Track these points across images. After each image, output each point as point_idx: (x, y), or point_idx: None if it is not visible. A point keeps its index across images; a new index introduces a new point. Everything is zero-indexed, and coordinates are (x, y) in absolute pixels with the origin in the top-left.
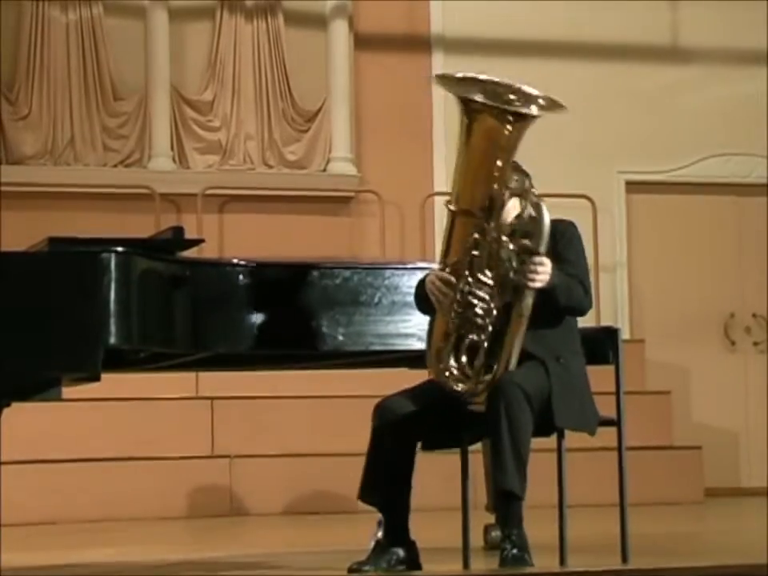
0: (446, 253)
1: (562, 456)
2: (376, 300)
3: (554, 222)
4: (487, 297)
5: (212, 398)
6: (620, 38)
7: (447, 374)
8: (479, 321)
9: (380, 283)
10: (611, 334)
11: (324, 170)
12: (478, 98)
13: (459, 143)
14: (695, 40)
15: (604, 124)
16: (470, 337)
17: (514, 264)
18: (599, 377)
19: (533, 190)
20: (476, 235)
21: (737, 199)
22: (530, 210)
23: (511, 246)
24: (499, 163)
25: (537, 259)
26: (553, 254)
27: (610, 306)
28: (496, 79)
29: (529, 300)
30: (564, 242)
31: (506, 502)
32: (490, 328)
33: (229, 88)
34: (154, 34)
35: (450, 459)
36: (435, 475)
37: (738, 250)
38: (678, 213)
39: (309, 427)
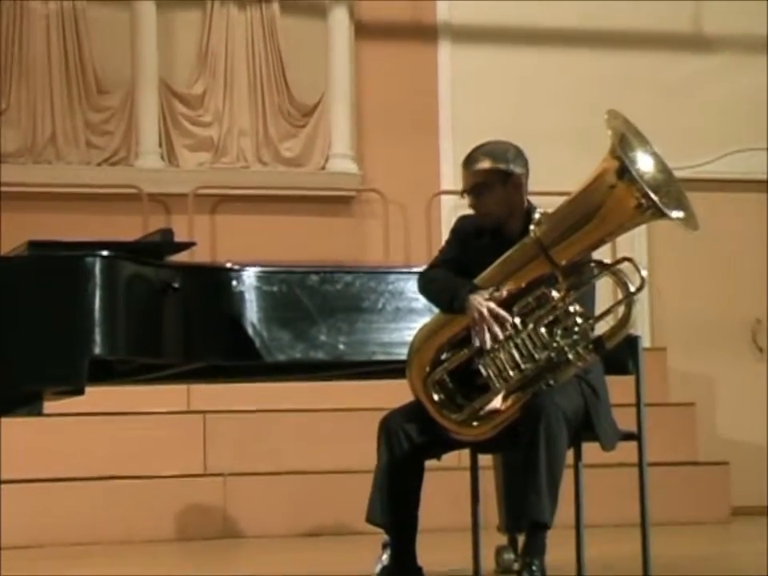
0: (505, 278)
1: (579, 472)
2: (379, 306)
3: None
4: (532, 354)
5: (204, 412)
6: (637, 26)
7: (432, 387)
8: (508, 371)
9: (383, 288)
10: (631, 341)
11: (323, 168)
12: (641, 180)
13: (587, 188)
14: (719, 27)
15: None
16: (488, 373)
17: (579, 349)
18: (618, 388)
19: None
20: (546, 290)
21: (764, 197)
22: (622, 308)
23: (579, 324)
24: (608, 238)
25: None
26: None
27: None
28: (664, 161)
29: (566, 377)
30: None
31: (534, 531)
32: (512, 381)
33: (221, 81)
34: (140, 23)
35: (458, 476)
36: (443, 493)
37: (765, 251)
38: (702, 211)
39: (308, 443)
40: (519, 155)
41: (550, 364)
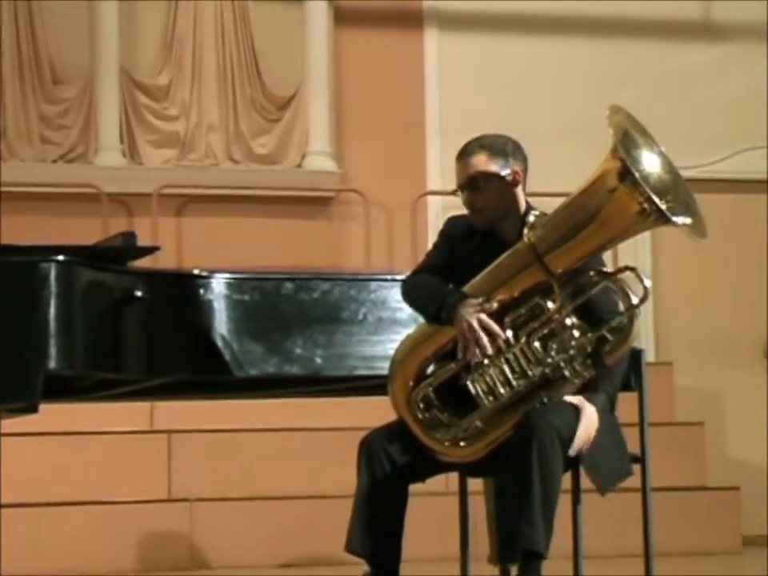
0: (497, 286)
1: (578, 497)
2: (360, 317)
3: None
4: (524, 370)
5: (169, 432)
6: (640, 12)
7: (416, 404)
8: (498, 388)
9: (365, 297)
10: (634, 355)
11: (299, 166)
12: (645, 183)
13: (586, 190)
14: (729, 14)
15: None
16: (476, 390)
17: (576, 366)
18: (620, 406)
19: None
20: (540, 300)
21: None
22: (622, 319)
23: (576, 337)
24: (608, 245)
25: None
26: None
27: None
28: (670, 161)
29: (562, 395)
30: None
31: (528, 561)
32: (503, 399)
33: (188, 71)
34: (100, 7)
35: (446, 502)
36: (429, 521)
37: None
38: (710, 214)
39: (283, 465)
40: (518, 149)
41: (545, 381)
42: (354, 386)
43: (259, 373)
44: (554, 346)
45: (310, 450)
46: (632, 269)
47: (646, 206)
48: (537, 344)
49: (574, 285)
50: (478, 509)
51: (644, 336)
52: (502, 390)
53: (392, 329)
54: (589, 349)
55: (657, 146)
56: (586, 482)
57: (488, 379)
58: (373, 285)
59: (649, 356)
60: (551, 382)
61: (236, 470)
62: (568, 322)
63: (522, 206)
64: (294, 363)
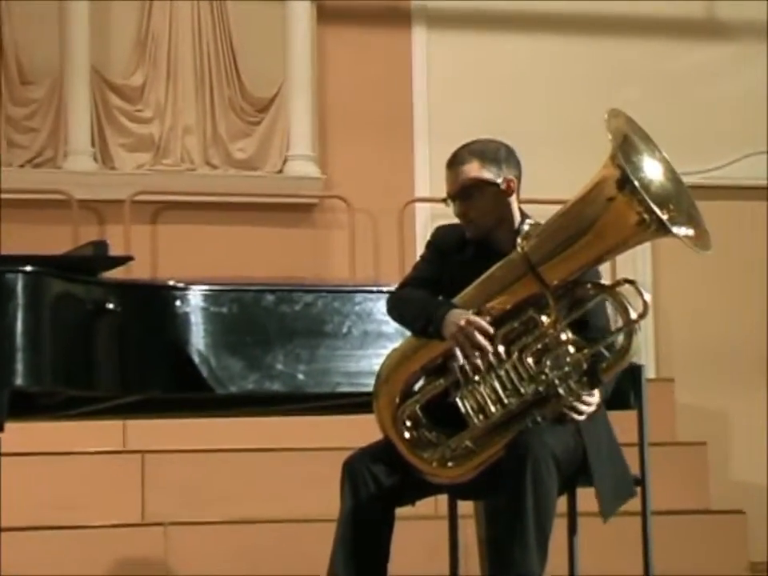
0: (488, 298)
1: (574, 521)
2: (344, 330)
3: None
4: (517, 387)
5: (143, 452)
6: (640, 9)
7: (403, 422)
8: (489, 406)
9: (349, 310)
10: (633, 372)
11: (280, 172)
12: (645, 192)
13: (583, 199)
14: (735, 12)
15: None
16: (466, 407)
17: (571, 383)
18: (619, 424)
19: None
20: (534, 314)
21: None
22: (620, 338)
23: (571, 353)
24: (605, 256)
25: (592, 395)
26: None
27: None
28: (673, 168)
29: (552, 412)
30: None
31: None
32: (494, 417)
33: (163, 70)
34: (70, 4)
35: (435, 526)
36: (418, 545)
37: None
38: (714, 223)
39: (262, 488)
40: (511, 155)
41: (538, 399)
42: (337, 403)
43: (238, 390)
44: (548, 362)
45: (290, 471)
46: (631, 281)
47: (645, 216)
48: (530, 360)
49: (570, 298)
50: (469, 532)
51: (644, 351)
52: (492, 409)
53: (378, 343)
54: (585, 366)
55: (659, 152)
56: (582, 505)
57: (478, 396)
58: (358, 297)
59: (649, 372)
60: (545, 400)
61: (213, 493)
62: (563, 336)
63: (517, 215)
64: (274, 379)
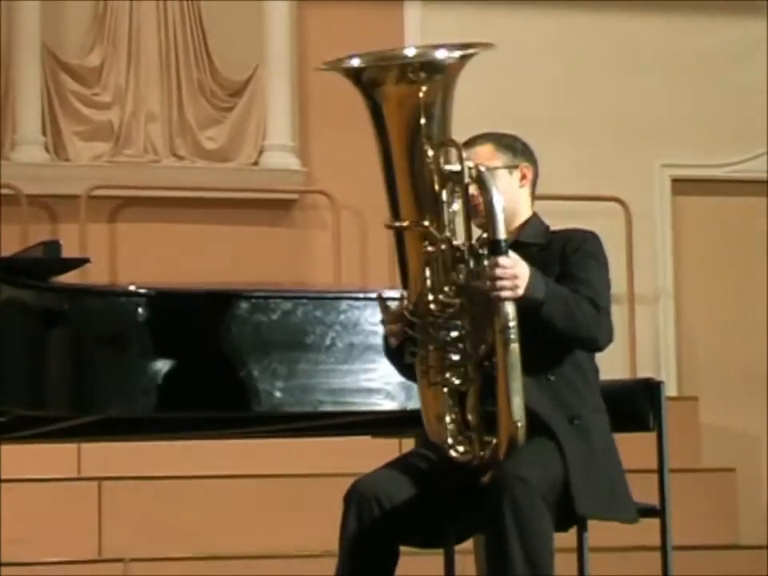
0: (404, 284)
1: (584, 557)
2: (328, 342)
3: (566, 233)
4: (457, 322)
5: (99, 479)
6: None
7: (447, 433)
8: (453, 356)
9: (333, 319)
10: (651, 389)
11: (256, 164)
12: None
13: (377, 143)
14: None
15: (642, 101)
16: (454, 382)
17: (472, 266)
18: (635, 448)
19: (468, 163)
20: (428, 247)
21: None
22: (474, 191)
23: (462, 243)
24: (426, 146)
25: (495, 260)
26: (561, 273)
27: (649, 350)
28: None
29: (507, 313)
30: (576, 258)
31: None
32: (470, 366)
33: (123, 50)
34: None
35: (434, 559)
36: None
37: None
38: (742, 221)
39: (234, 519)
40: (527, 150)
41: (477, 309)
42: (320, 424)
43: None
44: (454, 271)
45: (264, 501)
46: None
47: (407, 72)
48: (446, 288)
49: (435, 206)
50: (468, 566)
51: (663, 365)
52: (457, 358)
53: (365, 356)
54: (476, 246)
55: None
56: (594, 539)
57: (446, 358)
58: (343, 304)
59: (670, 389)
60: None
61: (178, 525)
62: (447, 236)
63: (528, 212)
64: (249, 397)
